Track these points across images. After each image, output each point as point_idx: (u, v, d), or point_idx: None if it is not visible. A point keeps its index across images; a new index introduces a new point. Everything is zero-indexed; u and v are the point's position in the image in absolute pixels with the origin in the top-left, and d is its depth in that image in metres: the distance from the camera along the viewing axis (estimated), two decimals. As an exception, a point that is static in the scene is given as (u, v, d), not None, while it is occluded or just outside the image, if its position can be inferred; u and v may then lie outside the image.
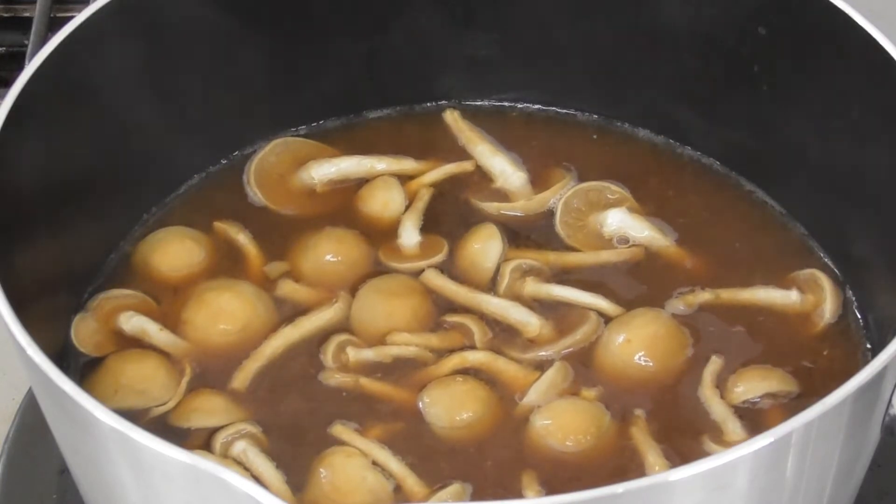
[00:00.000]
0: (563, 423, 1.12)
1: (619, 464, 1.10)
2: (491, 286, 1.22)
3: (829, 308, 1.20)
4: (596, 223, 1.26)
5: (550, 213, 1.27)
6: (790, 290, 1.21)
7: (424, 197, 1.28)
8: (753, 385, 1.13)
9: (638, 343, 1.16)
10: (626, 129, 1.34)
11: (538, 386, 1.14)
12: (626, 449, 1.11)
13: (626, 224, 1.25)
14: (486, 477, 1.10)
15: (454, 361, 1.16)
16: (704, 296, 1.20)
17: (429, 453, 1.11)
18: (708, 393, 1.13)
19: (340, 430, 1.11)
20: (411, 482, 1.09)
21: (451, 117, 1.35)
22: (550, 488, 1.09)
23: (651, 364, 1.16)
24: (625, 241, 1.25)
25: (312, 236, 1.25)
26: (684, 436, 1.12)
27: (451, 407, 1.13)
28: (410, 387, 1.15)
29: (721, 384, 1.14)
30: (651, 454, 1.10)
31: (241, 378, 1.16)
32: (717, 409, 1.12)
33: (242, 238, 1.25)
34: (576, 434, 1.11)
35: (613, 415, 1.13)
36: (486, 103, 1.37)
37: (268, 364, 1.17)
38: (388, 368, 1.16)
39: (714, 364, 1.15)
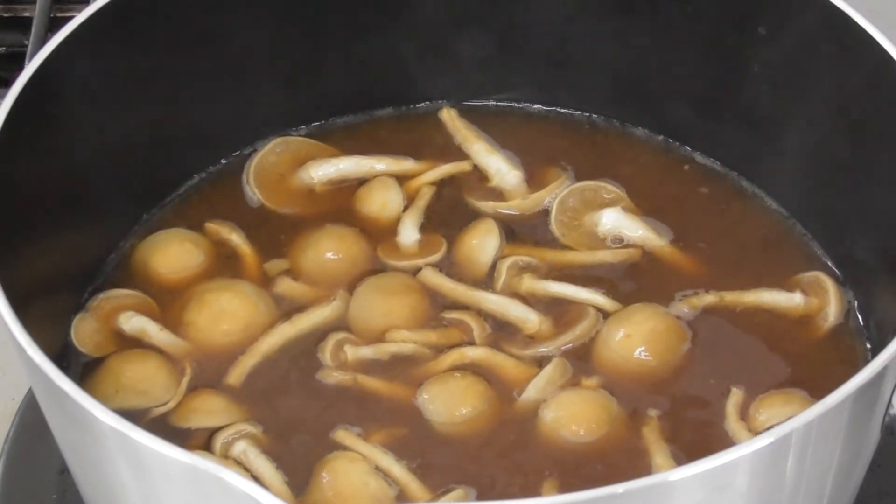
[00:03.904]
0: (573, 413, 1.12)
1: (633, 452, 1.11)
2: (487, 281, 1.22)
3: (832, 311, 1.19)
4: (591, 223, 1.26)
5: (546, 213, 1.27)
6: (794, 293, 1.20)
7: (426, 195, 1.29)
8: (776, 412, 1.12)
9: (638, 338, 1.16)
10: (626, 128, 1.34)
11: (536, 382, 1.14)
12: (638, 436, 1.12)
13: (620, 224, 1.25)
14: (491, 478, 1.10)
15: (453, 357, 1.17)
16: (708, 298, 1.20)
17: (432, 456, 1.11)
18: (735, 427, 1.12)
19: (343, 434, 1.11)
20: (414, 487, 1.08)
21: (448, 115, 1.35)
22: (566, 482, 1.09)
23: (651, 359, 1.16)
24: (619, 240, 1.25)
25: (313, 234, 1.25)
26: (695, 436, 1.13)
27: (450, 403, 1.13)
28: (409, 383, 1.15)
29: (742, 411, 1.13)
30: (659, 455, 1.10)
31: (237, 374, 1.16)
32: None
33: (235, 238, 1.25)
34: (588, 423, 1.11)
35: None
36: (485, 103, 1.37)
37: (264, 361, 1.17)
38: (386, 366, 1.17)
39: (736, 396, 1.14)
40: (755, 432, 1.12)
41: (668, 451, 1.10)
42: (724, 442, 1.12)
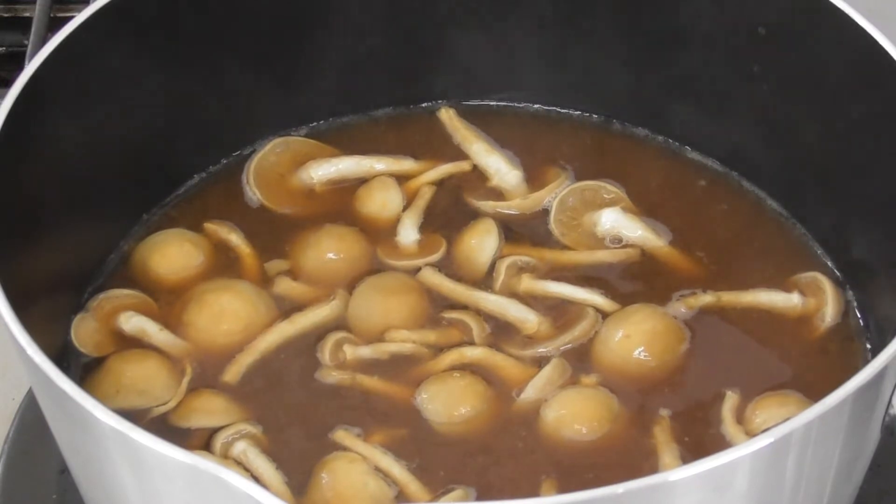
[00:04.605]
0: (576, 411, 1.12)
1: (635, 450, 1.11)
2: (486, 281, 1.22)
3: (830, 311, 1.19)
4: (590, 222, 1.26)
5: (545, 212, 1.27)
6: (792, 294, 1.20)
7: (426, 195, 1.29)
8: (772, 413, 1.12)
9: (637, 339, 1.16)
10: (626, 128, 1.34)
11: (535, 382, 1.14)
12: (639, 435, 1.12)
13: (619, 224, 1.25)
14: (491, 478, 1.10)
15: (452, 357, 1.17)
16: (706, 298, 1.20)
17: (432, 456, 1.11)
18: (732, 431, 1.12)
19: (343, 435, 1.11)
20: (414, 488, 1.08)
21: (447, 115, 1.35)
22: (568, 482, 1.09)
23: (650, 359, 1.16)
24: (618, 240, 1.25)
25: (313, 234, 1.25)
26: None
27: (448, 402, 1.13)
28: (408, 383, 1.15)
29: (738, 412, 1.13)
30: (668, 455, 1.10)
31: (234, 371, 1.16)
32: None
33: (234, 238, 1.25)
34: (590, 421, 1.12)
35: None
36: (485, 103, 1.37)
37: (262, 360, 1.17)
38: (385, 365, 1.17)
39: (731, 400, 1.13)
40: (752, 435, 1.11)
41: (677, 452, 1.10)
42: (724, 442, 1.12)
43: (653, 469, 1.09)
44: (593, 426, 1.12)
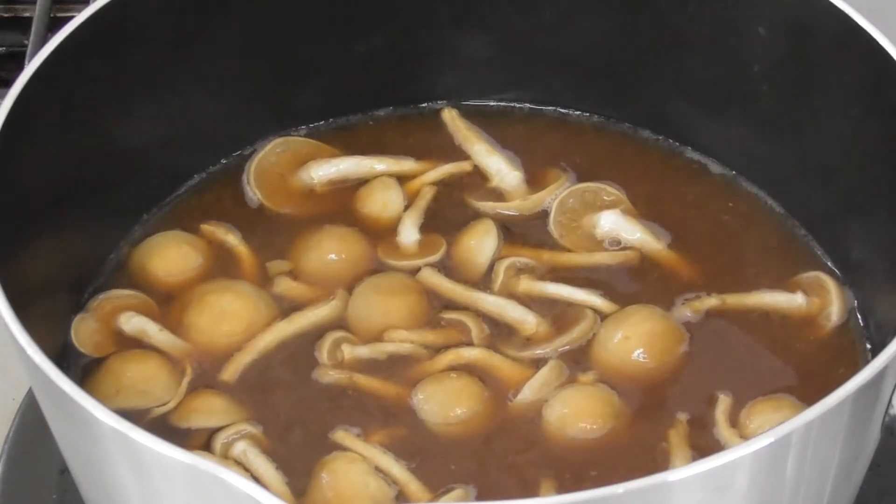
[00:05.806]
0: (578, 409, 1.12)
1: (640, 446, 1.11)
2: (485, 282, 1.22)
3: (835, 311, 1.19)
4: (589, 224, 1.26)
5: (545, 213, 1.27)
6: (795, 294, 1.20)
7: (427, 195, 1.29)
8: (767, 418, 1.12)
9: (636, 340, 1.16)
10: (626, 129, 1.34)
11: (532, 383, 1.14)
12: (642, 433, 1.12)
13: (618, 226, 1.25)
14: (491, 479, 1.10)
15: (449, 358, 1.16)
16: (710, 301, 1.20)
17: (431, 456, 1.11)
18: (726, 434, 1.12)
19: (342, 435, 1.11)
20: (414, 487, 1.08)
21: (449, 115, 1.35)
22: (569, 481, 1.09)
23: (648, 361, 1.16)
24: (616, 243, 1.25)
25: (313, 235, 1.25)
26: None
27: (444, 403, 1.13)
28: (405, 383, 1.15)
29: (733, 416, 1.13)
30: (679, 459, 1.09)
31: (231, 370, 1.16)
32: None
33: (232, 239, 1.25)
34: (594, 418, 1.12)
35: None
36: (486, 103, 1.37)
37: (260, 358, 1.17)
38: (383, 365, 1.17)
39: (723, 403, 1.13)
40: (746, 439, 1.11)
41: (689, 457, 1.09)
42: (719, 446, 1.12)
43: (658, 467, 1.09)
44: (597, 423, 1.11)
